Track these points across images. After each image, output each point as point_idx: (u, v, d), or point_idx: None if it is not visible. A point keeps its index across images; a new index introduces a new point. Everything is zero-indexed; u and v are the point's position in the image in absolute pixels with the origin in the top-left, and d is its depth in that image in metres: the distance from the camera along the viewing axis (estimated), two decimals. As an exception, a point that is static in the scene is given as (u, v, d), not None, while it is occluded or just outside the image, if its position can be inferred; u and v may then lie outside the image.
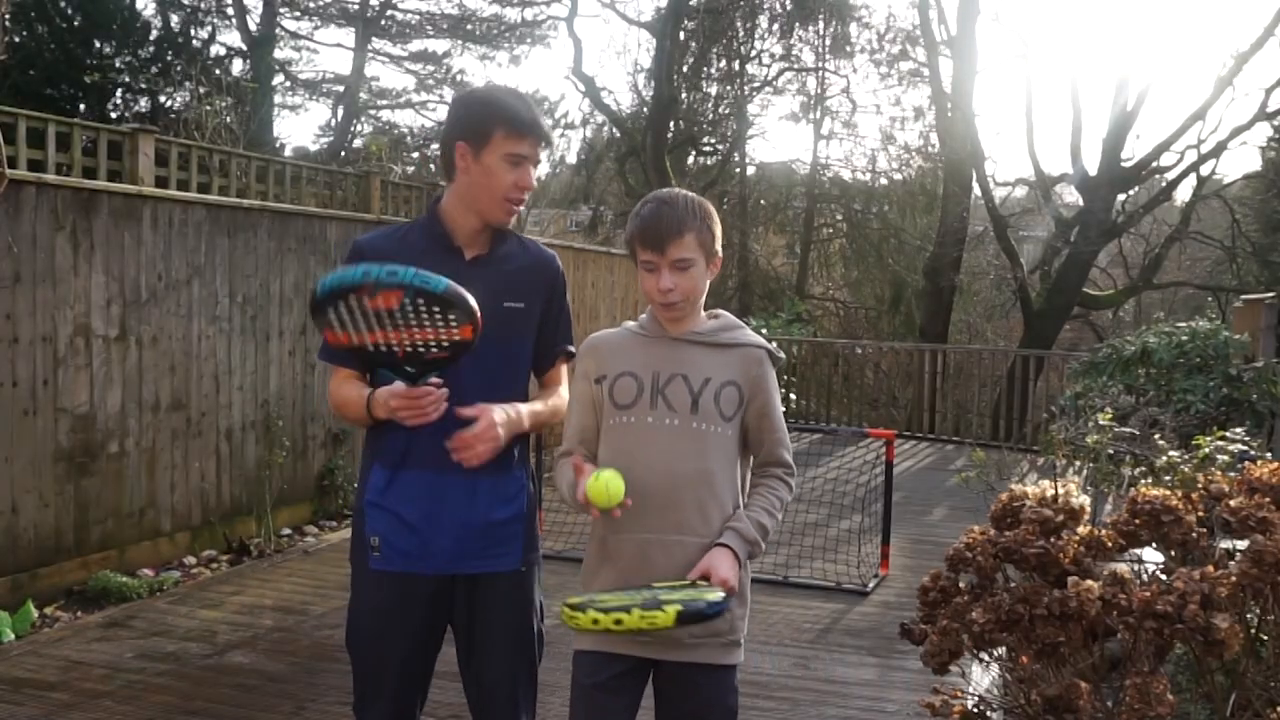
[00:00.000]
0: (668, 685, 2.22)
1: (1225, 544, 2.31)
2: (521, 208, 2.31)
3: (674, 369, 2.21)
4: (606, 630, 1.97)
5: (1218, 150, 15.99)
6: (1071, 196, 18.55)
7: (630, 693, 2.22)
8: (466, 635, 2.35)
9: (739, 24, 20.15)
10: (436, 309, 1.98)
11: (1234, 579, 2.10)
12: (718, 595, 2.00)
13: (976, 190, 17.22)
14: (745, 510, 2.20)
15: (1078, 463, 5.21)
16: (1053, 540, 2.32)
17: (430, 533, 2.25)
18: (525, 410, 2.30)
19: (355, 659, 2.35)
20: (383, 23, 20.82)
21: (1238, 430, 4.44)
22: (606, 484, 2.04)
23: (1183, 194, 18.01)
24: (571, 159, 24.57)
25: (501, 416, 2.19)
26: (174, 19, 15.77)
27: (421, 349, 2.04)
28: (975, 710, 2.43)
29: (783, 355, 2.34)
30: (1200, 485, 2.52)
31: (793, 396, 12.64)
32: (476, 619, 2.33)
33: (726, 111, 20.99)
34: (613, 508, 2.06)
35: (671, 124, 18.68)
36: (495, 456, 2.21)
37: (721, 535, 2.14)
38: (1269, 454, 4.81)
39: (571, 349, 2.46)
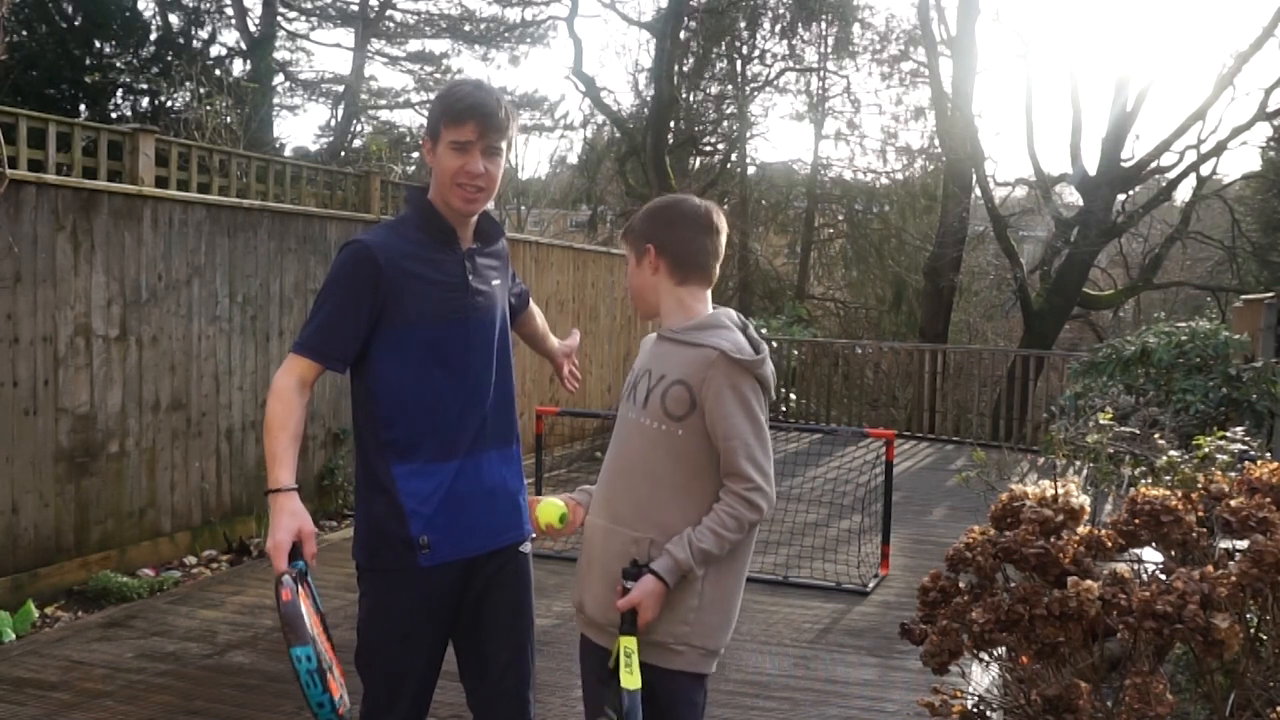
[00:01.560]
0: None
1: (1225, 544, 2.31)
2: (481, 197, 2.29)
3: (650, 365, 2.29)
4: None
5: (1218, 150, 16.01)
6: (1071, 196, 18.57)
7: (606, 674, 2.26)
8: (474, 614, 2.36)
9: (741, 24, 20.15)
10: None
11: (1234, 579, 2.10)
12: (632, 687, 2.08)
13: (976, 190, 17.24)
14: (692, 530, 2.14)
15: (1078, 463, 5.21)
16: (1053, 540, 2.32)
17: (471, 514, 2.31)
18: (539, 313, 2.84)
19: (380, 665, 2.31)
20: (382, 24, 20.81)
21: (1238, 430, 4.44)
22: (541, 509, 2.31)
23: (1183, 194, 18.07)
24: (572, 159, 24.61)
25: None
26: (174, 19, 15.75)
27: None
28: (975, 710, 2.43)
29: (756, 356, 2.19)
30: (1200, 485, 2.52)
31: (792, 396, 12.65)
32: (489, 593, 2.36)
33: (729, 111, 20.98)
34: (550, 529, 2.32)
35: (672, 124, 18.67)
36: (505, 428, 2.39)
37: (657, 559, 2.15)
38: (1268, 454, 4.81)
39: (525, 288, 2.71)
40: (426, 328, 2.25)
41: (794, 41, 20.29)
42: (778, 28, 20.32)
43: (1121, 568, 2.24)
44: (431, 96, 21.18)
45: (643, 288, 2.31)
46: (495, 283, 2.40)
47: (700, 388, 2.15)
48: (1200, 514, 2.36)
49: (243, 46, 17.86)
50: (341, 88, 20.73)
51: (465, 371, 2.31)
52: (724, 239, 2.33)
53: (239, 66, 17.14)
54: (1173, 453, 4.16)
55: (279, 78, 19.55)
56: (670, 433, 2.17)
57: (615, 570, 2.18)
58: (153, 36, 14.36)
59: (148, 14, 15.09)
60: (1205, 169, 16.63)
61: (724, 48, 20.52)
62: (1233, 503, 2.28)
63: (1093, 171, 16.51)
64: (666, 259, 2.27)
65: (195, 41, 15.55)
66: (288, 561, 2.06)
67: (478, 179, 2.25)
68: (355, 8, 20.31)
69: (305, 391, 2.25)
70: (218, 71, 13.45)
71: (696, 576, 2.15)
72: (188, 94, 12.75)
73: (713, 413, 2.15)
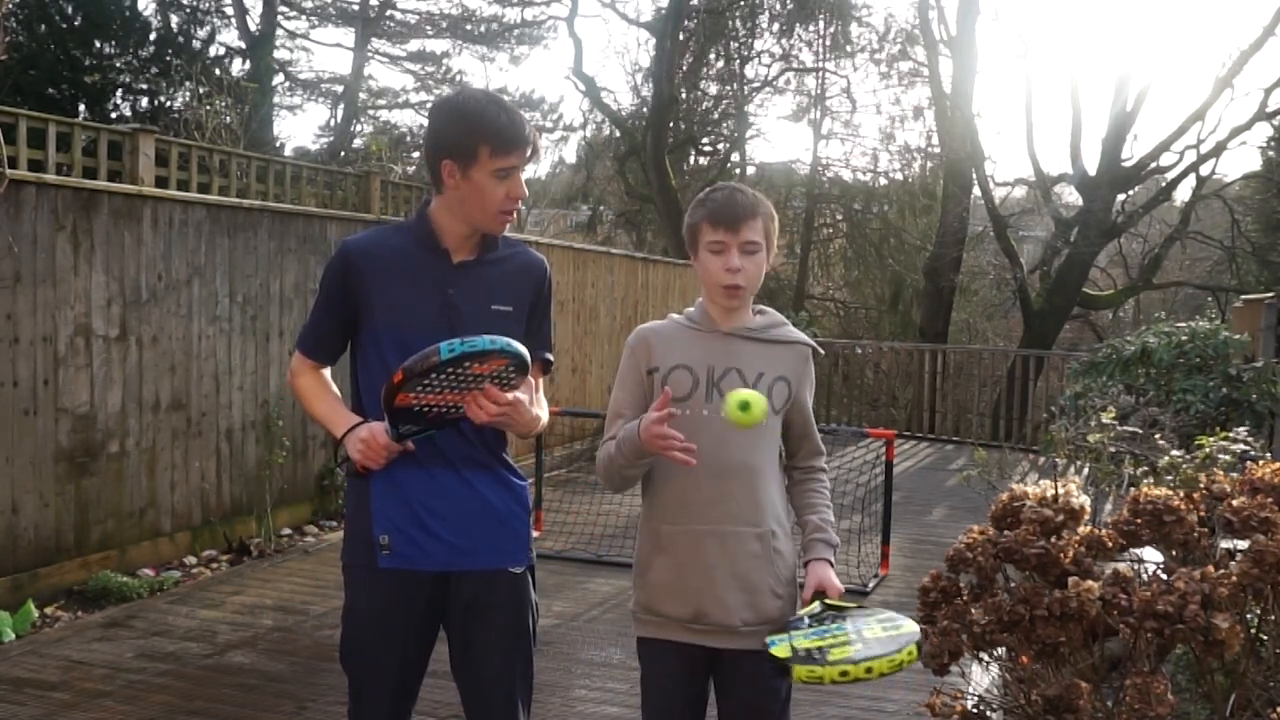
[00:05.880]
0: (726, 673, 2.29)
1: (1226, 544, 2.31)
2: (515, 215, 2.33)
3: (729, 363, 2.26)
4: (855, 679, 2.10)
5: (1217, 150, 16.02)
6: (1071, 196, 18.58)
7: (697, 681, 2.30)
8: (464, 634, 2.33)
9: (739, 24, 20.14)
10: (514, 371, 2.12)
11: (1234, 579, 2.10)
12: (914, 628, 2.15)
13: (976, 190, 17.24)
14: (818, 516, 2.37)
15: (1078, 462, 5.21)
16: (1053, 540, 2.32)
17: (439, 527, 2.26)
18: (543, 406, 2.44)
19: (354, 665, 2.32)
20: (382, 23, 20.81)
21: (1240, 430, 4.44)
22: (748, 400, 2.05)
23: (1182, 194, 18.08)
24: (571, 159, 24.60)
25: (525, 397, 2.25)
26: (174, 19, 15.76)
27: (453, 411, 2.14)
28: (975, 710, 2.43)
29: (823, 352, 2.47)
30: (1202, 485, 2.52)
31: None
32: (476, 617, 2.32)
33: (728, 111, 20.98)
34: (751, 425, 2.08)
35: (671, 124, 18.66)
36: (491, 452, 2.32)
37: (814, 549, 2.34)
38: (1269, 454, 4.81)
39: (549, 357, 2.47)
40: (399, 328, 2.24)
41: (792, 41, 20.29)
42: (775, 27, 20.32)
43: (1122, 567, 2.24)
44: (431, 97, 21.22)
45: (758, 285, 2.32)
46: (496, 306, 2.31)
47: (799, 382, 2.33)
48: (1202, 514, 2.36)
49: (242, 46, 17.88)
50: (341, 87, 20.74)
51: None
52: None
53: (239, 66, 17.15)
54: (1175, 452, 4.16)
55: (279, 77, 19.56)
56: (772, 426, 2.29)
57: (747, 571, 2.24)
58: (152, 36, 14.36)
59: (147, 14, 15.12)
60: (1205, 169, 16.67)
61: (723, 48, 20.50)
62: (1234, 502, 2.28)
63: (1093, 171, 16.52)
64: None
65: (195, 41, 15.56)
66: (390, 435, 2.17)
67: (519, 200, 2.27)
68: (355, 7, 20.31)
69: (319, 371, 2.39)
70: (217, 71, 13.43)
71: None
72: (187, 94, 12.76)
73: (803, 402, 2.35)
